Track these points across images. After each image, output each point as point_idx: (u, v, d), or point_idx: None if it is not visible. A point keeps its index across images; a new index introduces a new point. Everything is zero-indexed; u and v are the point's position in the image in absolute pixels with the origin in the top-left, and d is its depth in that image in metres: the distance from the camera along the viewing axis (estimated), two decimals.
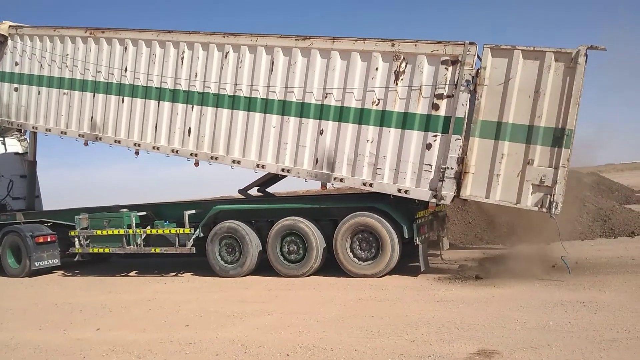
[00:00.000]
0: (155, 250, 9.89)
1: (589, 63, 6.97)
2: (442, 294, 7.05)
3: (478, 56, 7.48)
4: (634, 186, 17.88)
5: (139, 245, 9.95)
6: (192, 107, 9.54)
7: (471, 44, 7.44)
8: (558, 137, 7.08)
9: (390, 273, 8.30)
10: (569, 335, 4.99)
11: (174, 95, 9.71)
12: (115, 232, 10.10)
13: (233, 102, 9.16)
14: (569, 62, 7.01)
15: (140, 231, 9.94)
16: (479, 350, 4.74)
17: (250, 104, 9.00)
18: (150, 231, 9.93)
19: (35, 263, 10.87)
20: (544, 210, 7.11)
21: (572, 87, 6.99)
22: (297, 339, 5.47)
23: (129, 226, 10.02)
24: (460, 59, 7.48)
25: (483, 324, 5.51)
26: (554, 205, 7.04)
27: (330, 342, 5.25)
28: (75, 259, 10.79)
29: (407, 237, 8.09)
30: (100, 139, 10.53)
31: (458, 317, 5.83)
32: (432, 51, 7.67)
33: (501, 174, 7.34)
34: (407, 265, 8.54)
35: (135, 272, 10.77)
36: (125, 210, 10.31)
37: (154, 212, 10.37)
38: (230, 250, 9.31)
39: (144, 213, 10.29)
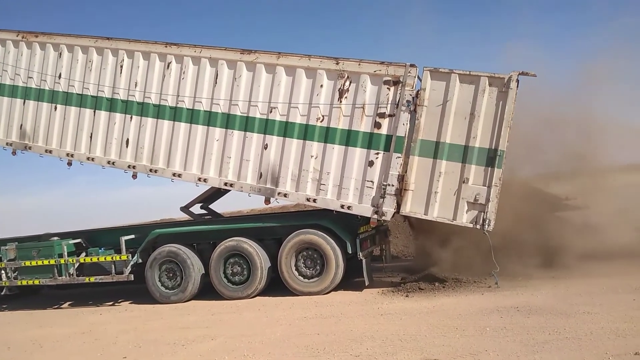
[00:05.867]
0: (89, 279, 9.29)
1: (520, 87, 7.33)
2: (385, 307, 7.15)
3: (419, 77, 7.80)
4: (564, 194, 18.91)
5: (72, 275, 9.32)
6: (131, 118, 9.21)
7: (412, 65, 7.74)
8: (491, 158, 7.45)
9: (336, 289, 8.31)
10: (505, 339, 5.22)
11: (112, 105, 9.34)
12: (46, 262, 9.38)
13: (175, 114, 8.94)
14: (502, 86, 7.42)
15: (72, 260, 9.31)
16: None
17: (192, 116, 8.83)
18: (84, 259, 9.35)
19: None
20: (478, 226, 7.44)
21: (504, 110, 7.40)
22: None
23: (60, 255, 9.36)
24: (401, 79, 7.76)
25: (425, 334, 5.64)
26: (487, 222, 7.38)
27: None
28: (2, 293, 9.91)
29: (350, 252, 8.16)
30: (30, 148, 9.94)
31: (401, 329, 5.93)
32: (375, 71, 7.92)
33: (439, 191, 7.62)
34: (351, 280, 8.60)
35: (68, 303, 10.05)
36: (56, 238, 9.67)
37: (88, 239, 9.78)
38: (171, 275, 8.92)
39: (77, 240, 9.69)
